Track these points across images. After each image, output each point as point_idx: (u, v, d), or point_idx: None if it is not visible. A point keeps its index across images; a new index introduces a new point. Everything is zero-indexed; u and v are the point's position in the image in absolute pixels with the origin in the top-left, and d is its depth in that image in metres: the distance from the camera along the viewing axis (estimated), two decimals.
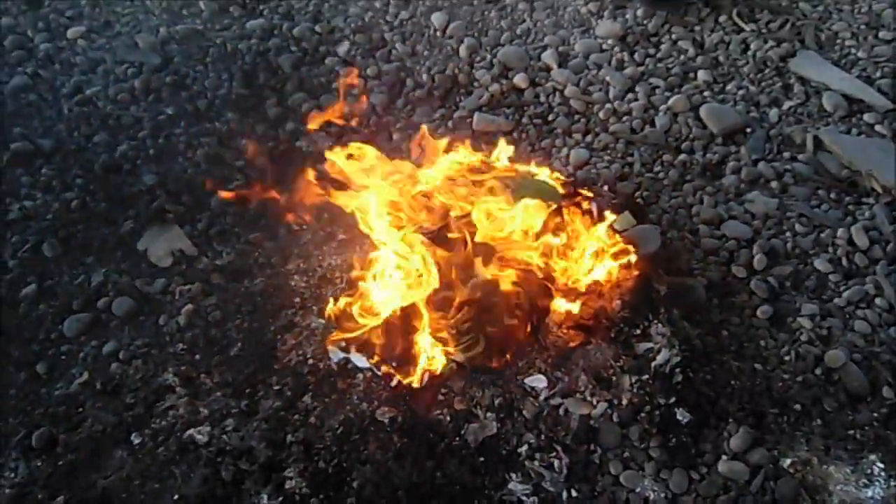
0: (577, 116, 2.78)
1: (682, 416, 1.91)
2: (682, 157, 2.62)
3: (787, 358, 2.08)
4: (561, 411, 1.91)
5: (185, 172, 2.59)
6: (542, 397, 1.90)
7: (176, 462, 1.85)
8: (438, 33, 3.12)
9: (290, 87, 2.89)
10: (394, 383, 1.92)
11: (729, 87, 2.88)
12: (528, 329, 1.94)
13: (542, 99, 2.84)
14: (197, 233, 2.40)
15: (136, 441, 1.90)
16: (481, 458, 1.84)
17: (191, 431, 1.91)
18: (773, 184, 2.55)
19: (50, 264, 2.33)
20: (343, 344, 1.95)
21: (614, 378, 1.95)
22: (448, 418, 1.88)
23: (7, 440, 1.94)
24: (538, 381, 1.93)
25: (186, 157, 2.65)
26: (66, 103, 2.83)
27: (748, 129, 2.71)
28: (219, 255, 2.34)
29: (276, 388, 1.98)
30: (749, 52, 3.00)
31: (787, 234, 2.40)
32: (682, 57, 2.99)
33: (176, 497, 1.80)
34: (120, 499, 1.80)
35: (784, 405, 1.99)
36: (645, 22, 3.12)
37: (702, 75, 2.90)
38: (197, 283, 2.24)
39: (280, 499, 1.78)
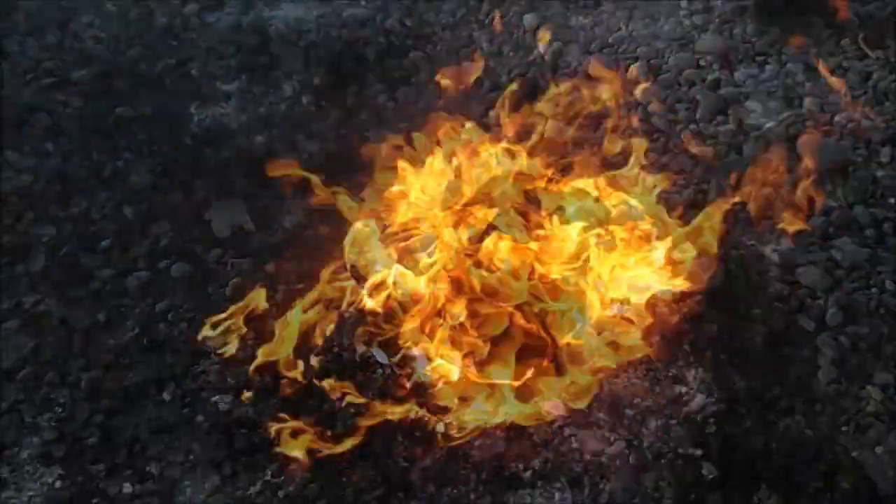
0: (656, 135, 2.62)
1: (708, 470, 1.76)
2: (766, 190, 2.39)
3: (844, 429, 1.86)
4: (574, 442, 1.82)
5: (251, 149, 2.71)
6: (556, 424, 1.82)
7: (196, 424, 1.96)
8: (528, 35, 3.05)
9: (371, 78, 2.94)
10: (409, 384, 1.91)
11: (838, 118, 2.59)
12: (554, 353, 1.87)
13: (623, 113, 2.70)
14: (258, 210, 2.50)
15: (167, 398, 2.03)
16: (483, 474, 1.80)
17: (216, 398, 2.01)
18: (868, 232, 2.28)
19: (127, 223, 2.52)
20: (367, 338, 1.97)
21: (638, 417, 1.83)
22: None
23: (63, 378, 2.13)
24: (555, 408, 1.85)
25: (263, 135, 2.77)
26: (170, 75, 3.04)
27: (851, 168, 2.43)
28: (273, 234, 2.43)
29: (301, 370, 2.03)
30: (870, 83, 2.69)
31: (874, 290, 2.13)
32: (789, 80, 2.73)
33: (190, 456, 1.90)
34: (141, 447, 1.93)
35: (831, 480, 1.78)
36: (753, 39, 2.88)
37: (808, 103, 2.64)
38: (248, 258, 2.35)
39: (282, 477, 1.84)
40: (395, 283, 1.98)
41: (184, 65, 3.07)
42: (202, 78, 3.03)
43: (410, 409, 1.85)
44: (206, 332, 2.12)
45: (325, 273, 2.17)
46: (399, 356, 1.93)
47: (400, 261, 2.04)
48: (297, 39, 3.13)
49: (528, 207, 2.06)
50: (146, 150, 2.76)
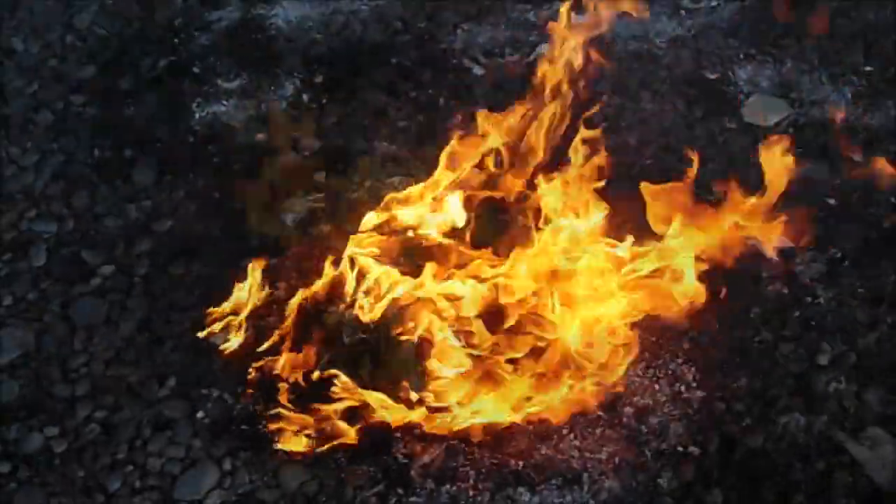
0: None
1: (667, 482, 1.85)
2: None
3: (801, 440, 1.95)
4: (573, 440, 1.91)
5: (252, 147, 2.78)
6: None
7: (197, 420, 2.06)
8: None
9: (373, 76, 2.98)
10: None
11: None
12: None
13: None
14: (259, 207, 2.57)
15: (168, 394, 2.13)
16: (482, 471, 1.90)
17: (217, 394, 2.10)
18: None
19: (129, 220, 2.59)
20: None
21: (637, 415, 1.94)
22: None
23: (65, 374, 2.18)
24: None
25: (264, 132, 2.84)
26: (172, 72, 3.08)
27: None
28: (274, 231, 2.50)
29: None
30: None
31: (833, 302, 2.25)
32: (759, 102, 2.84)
33: (190, 452, 1.99)
34: (142, 442, 2.03)
35: (796, 488, 1.88)
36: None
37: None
38: (249, 256, 2.36)
39: (282, 474, 1.93)
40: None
41: (185, 63, 3.12)
42: (203, 76, 3.08)
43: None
44: (208, 328, 2.18)
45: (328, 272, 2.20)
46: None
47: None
48: (299, 37, 3.19)
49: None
50: (148, 147, 2.82)
